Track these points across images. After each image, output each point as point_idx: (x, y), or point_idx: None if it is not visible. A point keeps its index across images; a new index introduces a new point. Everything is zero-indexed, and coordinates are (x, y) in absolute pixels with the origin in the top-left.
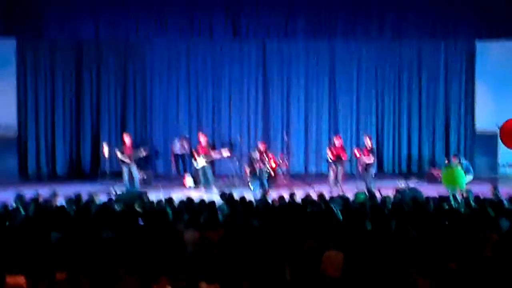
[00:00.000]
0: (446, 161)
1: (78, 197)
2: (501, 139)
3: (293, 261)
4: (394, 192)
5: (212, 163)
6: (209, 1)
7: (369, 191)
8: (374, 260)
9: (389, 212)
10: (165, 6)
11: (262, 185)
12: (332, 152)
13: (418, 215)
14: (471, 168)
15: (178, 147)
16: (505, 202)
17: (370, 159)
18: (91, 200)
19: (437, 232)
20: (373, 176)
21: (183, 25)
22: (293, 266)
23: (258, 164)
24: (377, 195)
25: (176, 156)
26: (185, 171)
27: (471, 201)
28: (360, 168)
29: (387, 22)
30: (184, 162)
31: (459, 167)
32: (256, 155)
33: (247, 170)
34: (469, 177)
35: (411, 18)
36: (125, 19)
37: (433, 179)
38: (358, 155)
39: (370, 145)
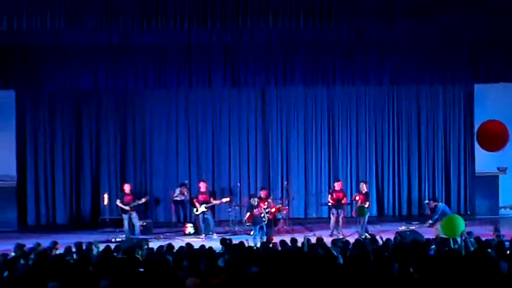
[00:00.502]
0: (426, 202)
1: (78, 246)
2: (478, 141)
3: None
4: (395, 235)
5: (212, 209)
6: (208, 50)
7: (370, 235)
8: None
9: (390, 255)
10: (163, 55)
11: (263, 231)
12: (332, 197)
13: (419, 258)
14: (449, 212)
15: (177, 194)
16: (507, 243)
17: (366, 204)
18: (90, 248)
19: (438, 274)
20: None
21: (181, 74)
22: None
23: (258, 211)
24: (378, 239)
25: (176, 203)
26: (185, 218)
27: (472, 243)
28: (353, 213)
29: (385, 67)
30: (184, 209)
31: (455, 215)
32: (255, 201)
33: (248, 217)
34: None
35: (409, 63)
36: (123, 69)
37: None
38: (358, 200)
39: (365, 190)
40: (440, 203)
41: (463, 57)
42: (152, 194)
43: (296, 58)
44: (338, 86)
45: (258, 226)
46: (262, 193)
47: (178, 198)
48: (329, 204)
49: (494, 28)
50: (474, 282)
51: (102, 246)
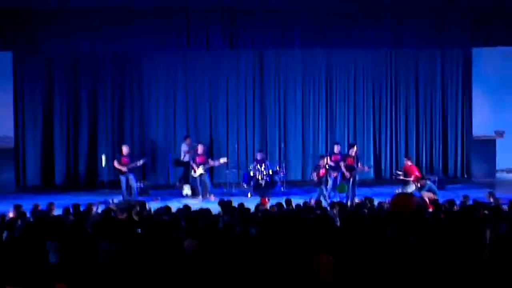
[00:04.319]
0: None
1: (75, 207)
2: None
3: (288, 267)
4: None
5: (210, 171)
6: (205, 12)
7: (368, 198)
8: (370, 264)
9: (386, 218)
10: (161, 18)
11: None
12: (331, 159)
13: (416, 221)
14: (435, 189)
15: (187, 149)
16: (504, 206)
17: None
18: (88, 210)
19: (435, 236)
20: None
21: (179, 36)
22: (288, 271)
23: (323, 172)
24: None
25: (179, 164)
26: (186, 180)
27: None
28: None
29: (383, 30)
30: (186, 171)
31: None
32: (325, 162)
33: (315, 177)
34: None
35: (408, 26)
36: (121, 32)
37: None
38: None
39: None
40: (427, 181)
41: (462, 20)
42: (150, 156)
43: (295, 21)
44: (337, 49)
45: (322, 186)
46: (259, 155)
47: (186, 159)
48: (327, 167)
49: None
50: (469, 244)
51: (99, 208)
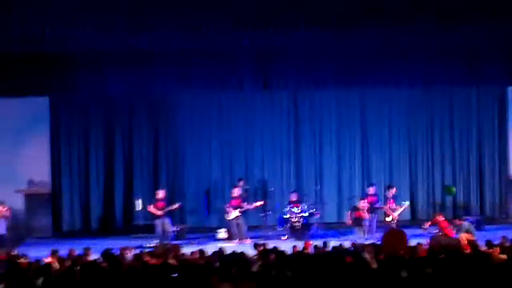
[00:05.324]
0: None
1: (110, 251)
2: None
3: None
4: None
5: (245, 214)
6: (239, 53)
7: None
8: None
9: (423, 259)
10: (194, 59)
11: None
12: (367, 201)
13: (453, 260)
14: (473, 229)
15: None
16: None
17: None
18: (123, 254)
19: (472, 278)
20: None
21: (213, 77)
22: None
23: (359, 213)
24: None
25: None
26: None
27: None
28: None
29: (417, 69)
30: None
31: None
32: (361, 204)
33: (350, 219)
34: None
35: (442, 65)
36: (154, 73)
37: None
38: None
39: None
40: (464, 222)
41: (495, 59)
42: (185, 199)
43: (328, 61)
44: (370, 89)
45: (361, 227)
46: (293, 197)
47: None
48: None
49: None
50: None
51: (135, 252)
